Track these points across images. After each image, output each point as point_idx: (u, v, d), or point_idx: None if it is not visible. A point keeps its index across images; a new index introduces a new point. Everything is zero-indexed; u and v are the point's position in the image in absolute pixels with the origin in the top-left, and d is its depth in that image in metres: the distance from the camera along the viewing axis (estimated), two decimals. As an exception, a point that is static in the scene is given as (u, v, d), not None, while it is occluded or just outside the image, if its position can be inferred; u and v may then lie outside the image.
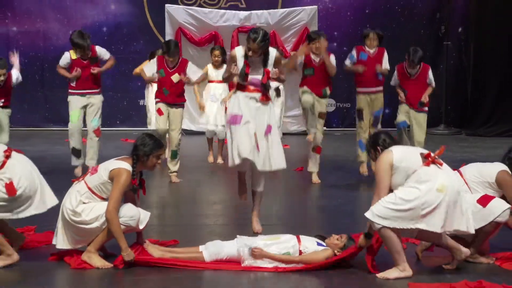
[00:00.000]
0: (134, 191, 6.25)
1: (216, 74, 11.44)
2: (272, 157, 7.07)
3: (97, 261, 6.07)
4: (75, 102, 9.89)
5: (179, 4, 15.88)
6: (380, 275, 5.94)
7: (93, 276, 5.97)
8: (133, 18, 16.35)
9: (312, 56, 9.68)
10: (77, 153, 10.00)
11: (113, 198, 6.03)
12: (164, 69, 9.75)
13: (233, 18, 15.19)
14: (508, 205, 6.19)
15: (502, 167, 6.36)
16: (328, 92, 9.78)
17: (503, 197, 6.32)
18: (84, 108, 9.95)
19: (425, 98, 9.76)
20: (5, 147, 6.27)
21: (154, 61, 9.92)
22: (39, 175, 6.37)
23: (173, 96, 9.79)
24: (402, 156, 5.93)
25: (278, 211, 8.56)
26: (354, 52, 10.10)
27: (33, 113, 16.21)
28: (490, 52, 15.83)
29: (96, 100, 9.98)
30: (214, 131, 11.59)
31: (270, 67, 7.03)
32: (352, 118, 10.10)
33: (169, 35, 14.97)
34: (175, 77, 9.73)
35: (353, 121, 10.44)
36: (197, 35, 15.14)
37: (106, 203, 6.11)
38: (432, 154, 5.94)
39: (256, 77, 6.99)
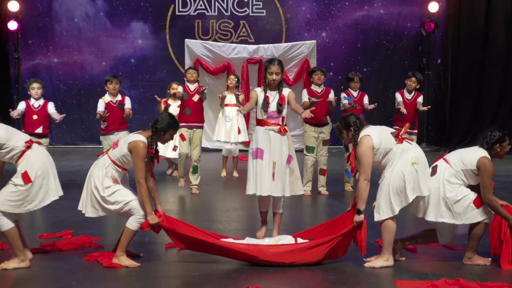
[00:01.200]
0: (151, 159, 6.23)
1: (230, 98, 11.52)
2: (291, 184, 6.95)
3: (126, 261, 6.09)
4: (107, 141, 9.82)
5: (197, 39, 15.94)
6: (367, 264, 6.07)
7: (121, 273, 6.00)
8: (157, 51, 16.42)
9: (314, 88, 9.82)
10: None
11: (138, 169, 6.07)
12: (187, 92, 9.90)
13: (243, 51, 15.26)
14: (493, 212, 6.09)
15: (482, 153, 6.11)
16: (329, 119, 9.89)
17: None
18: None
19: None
20: (28, 138, 6.12)
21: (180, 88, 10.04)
22: (53, 168, 6.22)
23: (195, 116, 9.88)
24: (380, 138, 6.03)
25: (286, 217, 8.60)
26: (344, 95, 10.10)
27: (71, 132, 16.24)
28: (464, 79, 15.99)
29: (123, 135, 9.83)
30: (229, 149, 11.67)
31: (285, 94, 6.94)
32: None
33: (188, 65, 14.84)
34: (195, 97, 9.89)
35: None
36: (212, 66, 15.21)
37: (129, 192, 6.16)
38: (400, 133, 6.11)
39: (274, 110, 6.87)
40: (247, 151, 7.50)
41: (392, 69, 16.13)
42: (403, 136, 6.12)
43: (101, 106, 9.80)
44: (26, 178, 5.91)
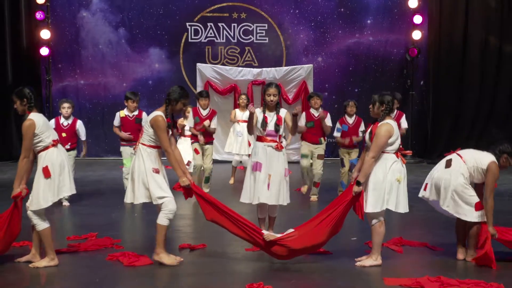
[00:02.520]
0: (169, 127, 6.17)
1: (241, 115, 11.60)
2: (282, 195, 6.90)
3: (167, 259, 6.05)
4: (126, 151, 9.87)
5: (207, 63, 15.93)
6: (358, 263, 6.08)
7: (140, 271, 5.98)
8: (172, 73, 16.41)
9: (312, 111, 9.83)
10: None
11: (162, 140, 6.04)
12: (198, 116, 9.90)
13: (248, 73, 15.24)
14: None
15: (492, 158, 6.21)
16: (323, 140, 9.90)
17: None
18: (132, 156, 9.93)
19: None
20: (56, 137, 6.15)
21: (190, 115, 10.03)
22: (70, 167, 6.17)
23: (205, 136, 9.92)
24: (395, 128, 6.03)
25: (284, 220, 8.59)
26: (338, 125, 10.04)
27: (95, 146, 16.19)
28: (444, 99, 15.95)
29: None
30: (239, 160, 11.66)
31: (282, 115, 6.94)
32: (338, 148, 10.17)
33: (199, 87, 15.04)
34: (206, 123, 9.89)
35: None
36: (221, 87, 15.21)
37: (167, 188, 6.12)
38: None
39: (271, 129, 6.89)
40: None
41: (381, 90, 16.01)
42: (400, 153, 6.13)
43: (116, 120, 9.92)
44: (46, 172, 5.89)
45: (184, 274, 5.89)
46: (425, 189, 6.48)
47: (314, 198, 9.96)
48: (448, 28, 16.08)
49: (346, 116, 10.06)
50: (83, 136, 9.83)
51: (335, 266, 6.11)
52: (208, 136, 9.97)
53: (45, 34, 15.63)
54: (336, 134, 10.03)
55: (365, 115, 10.20)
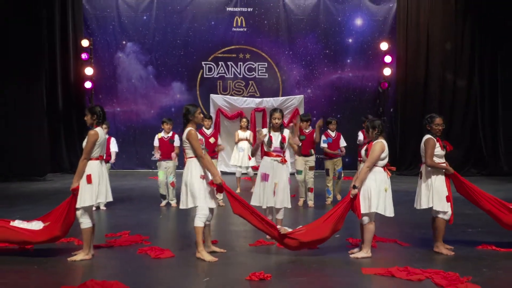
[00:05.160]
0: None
1: (243, 135, 11.61)
2: (285, 200, 6.94)
3: (207, 256, 5.94)
4: (161, 165, 9.85)
5: (218, 94, 15.97)
6: (352, 255, 6.08)
7: (165, 263, 5.97)
8: (190, 102, 16.35)
9: (304, 130, 9.88)
10: (163, 196, 9.97)
11: (196, 148, 5.98)
12: (204, 135, 9.85)
13: (252, 102, 15.27)
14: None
15: (427, 136, 6.27)
16: (313, 152, 9.92)
17: None
18: (166, 169, 9.88)
19: None
20: (103, 153, 6.07)
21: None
22: (106, 178, 6.08)
23: (209, 152, 9.82)
24: (386, 146, 6.01)
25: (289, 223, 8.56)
26: (323, 137, 10.13)
27: (128, 160, 16.17)
28: (410, 124, 15.94)
29: (171, 164, 9.87)
30: (241, 172, 11.66)
31: (285, 135, 6.99)
32: (325, 160, 10.23)
33: (212, 113, 15.08)
34: (211, 139, 9.93)
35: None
36: (230, 113, 15.24)
37: (207, 196, 6.00)
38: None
39: (277, 146, 6.94)
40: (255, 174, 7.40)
41: (358, 116, 16.09)
42: (387, 168, 6.09)
43: (156, 141, 9.89)
44: (89, 179, 5.84)
45: (199, 265, 5.87)
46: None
47: (311, 203, 9.86)
48: (412, 66, 16.12)
49: (329, 131, 10.26)
50: (114, 147, 9.91)
51: (322, 258, 6.09)
52: (211, 153, 9.81)
53: (88, 71, 15.70)
54: (323, 145, 10.15)
55: (346, 133, 10.33)
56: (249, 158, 11.51)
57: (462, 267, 5.70)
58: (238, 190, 11.77)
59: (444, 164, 6.26)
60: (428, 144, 6.22)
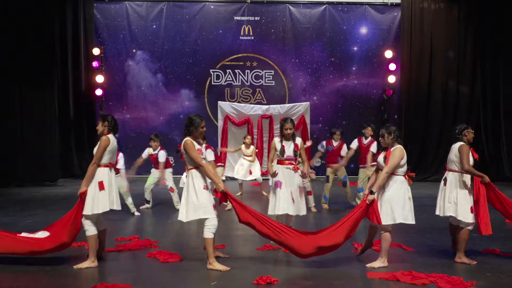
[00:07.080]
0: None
1: (246, 151, 11.79)
2: (301, 207, 6.92)
3: (219, 266, 5.79)
4: (153, 173, 9.99)
5: (226, 101, 15.93)
6: (368, 265, 5.91)
7: (172, 267, 5.97)
8: (198, 109, 16.28)
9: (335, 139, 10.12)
10: (147, 201, 10.14)
11: (195, 158, 5.71)
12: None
13: (259, 109, 15.19)
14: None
15: (460, 143, 6.19)
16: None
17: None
18: (155, 178, 9.97)
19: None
20: (114, 161, 5.93)
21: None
22: (116, 186, 5.94)
23: (215, 162, 9.82)
24: (405, 154, 5.87)
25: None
26: (324, 143, 10.16)
27: (139, 167, 16.23)
28: (413, 130, 15.88)
29: (167, 174, 9.97)
30: (242, 179, 11.79)
31: (298, 142, 6.95)
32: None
33: (220, 120, 15.04)
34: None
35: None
36: (237, 120, 15.18)
37: (212, 208, 5.79)
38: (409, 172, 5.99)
39: (290, 154, 6.91)
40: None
41: (362, 122, 16.03)
42: (407, 175, 5.94)
43: (145, 153, 9.95)
44: (101, 185, 5.73)
45: (206, 269, 5.84)
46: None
47: (314, 209, 9.81)
48: (416, 73, 16.06)
49: (333, 140, 10.20)
50: (121, 164, 9.73)
51: (328, 262, 6.07)
52: (217, 161, 9.88)
53: (99, 78, 15.76)
54: (320, 149, 10.14)
55: (349, 141, 10.28)
56: (250, 173, 11.68)
57: (466, 271, 5.68)
58: (239, 193, 11.82)
59: (481, 173, 6.14)
60: (463, 150, 6.12)
